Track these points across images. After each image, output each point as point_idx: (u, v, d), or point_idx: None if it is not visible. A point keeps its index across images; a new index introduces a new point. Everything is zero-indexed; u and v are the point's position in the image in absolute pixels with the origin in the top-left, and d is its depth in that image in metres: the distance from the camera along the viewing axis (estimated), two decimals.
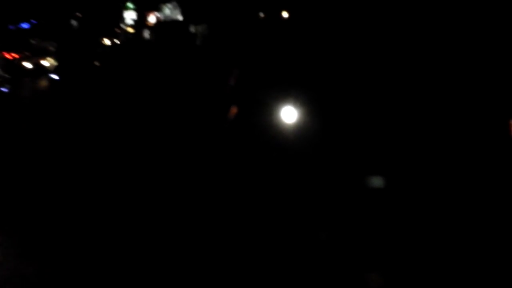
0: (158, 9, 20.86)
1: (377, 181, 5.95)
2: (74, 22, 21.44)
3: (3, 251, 5.89)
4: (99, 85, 15.37)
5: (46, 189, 7.91)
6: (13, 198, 7.56)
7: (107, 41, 21.13)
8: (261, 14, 12.23)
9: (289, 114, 7.31)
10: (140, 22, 20.76)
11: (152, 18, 20.52)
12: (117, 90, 13.90)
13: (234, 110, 8.26)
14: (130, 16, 22.73)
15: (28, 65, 18.92)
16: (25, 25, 22.28)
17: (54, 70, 17.94)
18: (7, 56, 17.62)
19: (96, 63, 17.41)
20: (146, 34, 18.93)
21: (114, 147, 9.69)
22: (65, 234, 6.37)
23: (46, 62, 19.28)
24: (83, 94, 14.59)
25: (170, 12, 19.96)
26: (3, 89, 13.54)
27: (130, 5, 23.26)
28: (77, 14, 22.37)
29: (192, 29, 16.69)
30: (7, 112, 12.79)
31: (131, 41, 20.01)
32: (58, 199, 7.55)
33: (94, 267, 5.49)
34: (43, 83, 17.78)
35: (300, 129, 7.22)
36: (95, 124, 11.64)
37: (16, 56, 18.52)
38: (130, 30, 21.69)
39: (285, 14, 10.81)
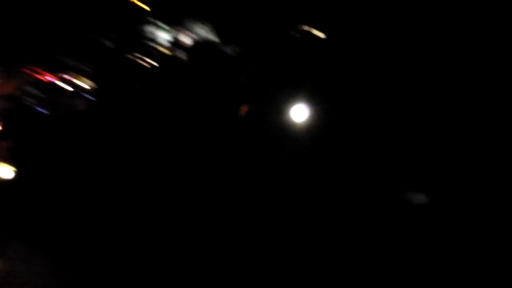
0: (190, 29, 20.86)
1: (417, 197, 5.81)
2: (108, 43, 21.58)
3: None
4: (137, 106, 15.33)
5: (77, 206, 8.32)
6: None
7: (143, 62, 21.11)
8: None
9: (299, 112, 7.14)
10: (175, 43, 20.80)
11: (186, 39, 20.53)
12: (154, 111, 13.82)
13: (245, 108, 8.22)
14: (163, 36, 22.78)
15: (64, 86, 18.91)
16: (60, 47, 22.35)
17: (91, 91, 17.92)
18: (44, 77, 17.70)
19: (135, 85, 17.39)
20: (182, 55, 18.90)
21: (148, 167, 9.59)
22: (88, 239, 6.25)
23: (82, 83, 19.27)
24: (122, 115, 14.55)
25: (203, 32, 19.96)
26: (41, 110, 13.51)
27: (163, 25, 23.34)
28: (111, 34, 22.49)
29: (227, 50, 16.56)
30: (45, 133, 12.76)
31: (167, 62, 20.02)
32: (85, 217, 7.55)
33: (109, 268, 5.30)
34: (81, 104, 17.80)
35: (311, 128, 7.27)
36: (133, 145, 11.60)
37: (52, 77, 18.60)
38: (165, 51, 21.70)
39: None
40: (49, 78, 18.10)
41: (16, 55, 21.04)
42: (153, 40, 23.45)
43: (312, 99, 7.56)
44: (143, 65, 22.50)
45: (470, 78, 6.42)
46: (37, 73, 17.12)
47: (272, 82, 8.53)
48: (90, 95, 18.65)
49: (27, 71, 17.74)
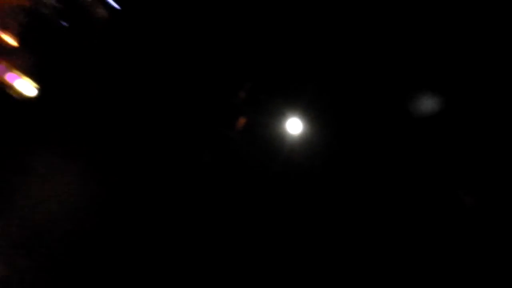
0: None
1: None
2: None
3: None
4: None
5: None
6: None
7: None
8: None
9: (295, 125, 7.26)
10: None
11: None
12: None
13: (242, 120, 7.89)
14: None
15: None
16: None
17: None
18: None
19: None
20: None
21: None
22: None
23: None
24: (145, 22, 13.68)
25: None
26: (62, 23, 12.53)
27: None
28: None
29: None
30: (68, 46, 11.90)
31: None
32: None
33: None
34: (102, 12, 16.68)
35: (306, 140, 7.09)
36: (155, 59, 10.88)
37: None
38: None
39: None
40: None
41: None
42: None
43: (308, 112, 7.57)
44: None
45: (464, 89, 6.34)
46: None
47: (269, 96, 8.51)
48: (111, 2, 17.49)
49: None
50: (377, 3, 8.82)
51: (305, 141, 7.29)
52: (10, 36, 10.24)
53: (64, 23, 12.36)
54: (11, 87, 9.06)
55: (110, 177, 6.57)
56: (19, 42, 10.15)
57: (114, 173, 6.68)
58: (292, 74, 8.69)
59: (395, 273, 4.90)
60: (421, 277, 4.78)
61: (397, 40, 7.91)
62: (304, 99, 7.87)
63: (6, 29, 10.35)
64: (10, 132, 8.28)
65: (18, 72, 9.25)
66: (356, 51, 8.18)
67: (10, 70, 9.24)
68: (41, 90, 9.26)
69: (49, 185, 6.80)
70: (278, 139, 7.44)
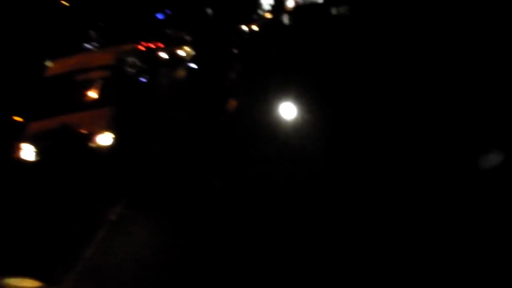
0: None
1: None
2: (209, 10, 20.75)
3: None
4: (238, 72, 14.68)
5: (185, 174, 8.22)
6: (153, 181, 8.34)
7: (244, 28, 20.26)
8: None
9: (288, 110, 7.28)
10: (278, 7, 19.58)
11: (290, 2, 19.34)
12: (256, 77, 13.07)
13: (233, 103, 7.99)
14: (267, 1, 21.70)
15: (164, 55, 18.40)
16: (160, 16, 22.01)
17: (192, 59, 17.35)
18: (144, 46, 17.18)
19: (234, 51, 16.59)
20: (285, 19, 17.82)
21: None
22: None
23: (182, 52, 18.68)
24: (223, 83, 13.99)
25: None
26: (142, 79, 12.94)
27: None
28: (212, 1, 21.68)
29: (333, 11, 15.37)
30: (146, 101, 12.22)
31: (269, 27, 18.99)
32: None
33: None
34: (181, 72, 17.22)
35: (300, 126, 7.09)
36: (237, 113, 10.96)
37: (152, 46, 18.10)
38: (268, 15, 20.65)
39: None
40: (148, 47, 17.66)
41: (114, 24, 20.87)
42: (256, 5, 22.50)
43: (301, 97, 7.47)
44: (244, 30, 21.59)
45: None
46: (136, 42, 16.72)
47: (261, 79, 8.59)
48: (189, 64, 18.02)
49: (126, 40, 17.40)
50: None
51: (300, 126, 7.06)
52: (94, 91, 10.60)
53: (144, 80, 12.76)
54: (91, 139, 9.28)
55: (179, 230, 6.50)
56: (102, 96, 10.48)
57: (183, 226, 6.60)
58: (286, 58, 8.76)
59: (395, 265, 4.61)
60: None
61: (392, 25, 7.87)
62: (298, 83, 7.60)
63: (91, 84, 10.75)
64: (86, 182, 8.43)
65: (100, 125, 9.48)
66: (351, 36, 8.30)
67: (93, 124, 9.49)
68: (118, 142, 9.42)
69: (120, 235, 6.84)
70: (271, 124, 7.20)
